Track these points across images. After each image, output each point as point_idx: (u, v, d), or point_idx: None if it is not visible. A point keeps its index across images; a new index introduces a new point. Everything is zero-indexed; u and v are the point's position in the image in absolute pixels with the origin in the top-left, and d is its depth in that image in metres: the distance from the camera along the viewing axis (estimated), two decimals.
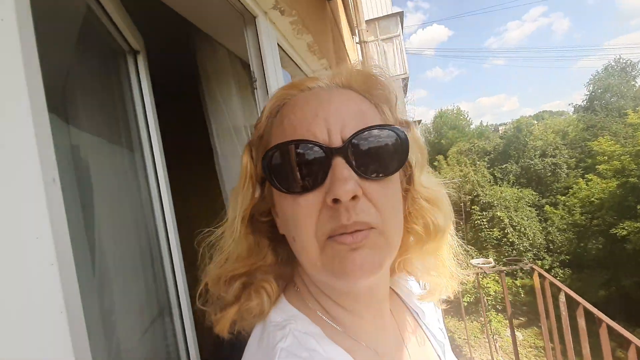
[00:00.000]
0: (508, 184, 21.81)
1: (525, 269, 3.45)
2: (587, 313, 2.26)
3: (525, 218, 17.81)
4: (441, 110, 37.56)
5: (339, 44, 3.50)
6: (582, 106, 28.93)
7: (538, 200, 20.20)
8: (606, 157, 16.80)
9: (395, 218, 0.46)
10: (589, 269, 15.91)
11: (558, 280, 3.15)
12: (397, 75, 11.15)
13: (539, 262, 16.12)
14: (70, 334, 0.43)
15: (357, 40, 5.95)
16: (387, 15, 11.55)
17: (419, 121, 13.47)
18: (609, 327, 2.09)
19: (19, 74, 0.44)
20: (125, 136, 1.18)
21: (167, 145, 1.33)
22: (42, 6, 0.52)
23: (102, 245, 0.97)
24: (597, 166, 17.52)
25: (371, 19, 11.12)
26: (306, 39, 1.89)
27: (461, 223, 13.98)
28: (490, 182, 20.81)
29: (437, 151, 29.36)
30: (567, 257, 17.02)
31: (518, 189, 20.72)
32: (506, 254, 16.29)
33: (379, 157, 0.44)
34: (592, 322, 2.18)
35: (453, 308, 12.54)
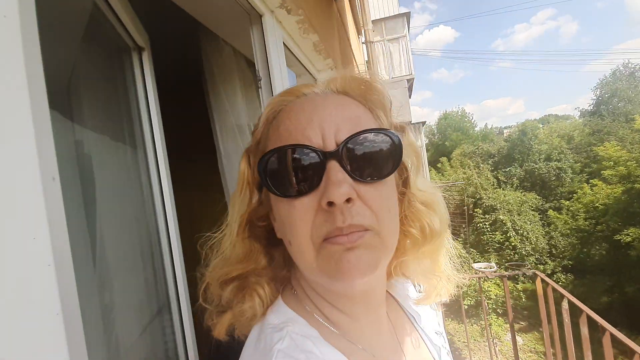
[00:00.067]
0: (512, 187, 21.68)
1: (527, 274, 3.43)
2: (590, 320, 2.24)
3: (528, 222, 17.70)
4: (446, 111, 37.37)
5: (345, 43, 3.49)
6: (589, 110, 28.69)
7: (541, 205, 20.07)
8: (612, 163, 16.65)
9: (391, 220, 0.47)
10: (592, 275, 15.79)
11: (560, 285, 3.13)
12: (403, 76, 11.12)
13: (541, 267, 16.04)
14: (65, 336, 0.42)
15: (363, 40, 5.93)
16: (394, 15, 11.53)
17: (423, 122, 13.42)
18: (612, 336, 2.07)
19: (19, 70, 0.43)
20: (129, 133, 1.18)
21: (170, 142, 1.33)
22: (47, 2, 0.52)
23: (104, 242, 0.97)
24: (602, 171, 17.37)
25: (378, 19, 11.10)
26: (312, 38, 1.87)
27: (463, 226, 13.92)
28: (493, 185, 20.70)
29: (441, 153, 29.26)
30: (569, 262, 16.90)
31: (522, 192, 20.58)
32: (508, 258, 16.21)
33: (373, 160, 0.44)
34: (595, 329, 2.16)
35: (453, 311, 12.52)
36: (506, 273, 3.59)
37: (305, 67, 2.11)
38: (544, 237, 17.55)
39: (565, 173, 21.43)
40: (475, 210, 18.43)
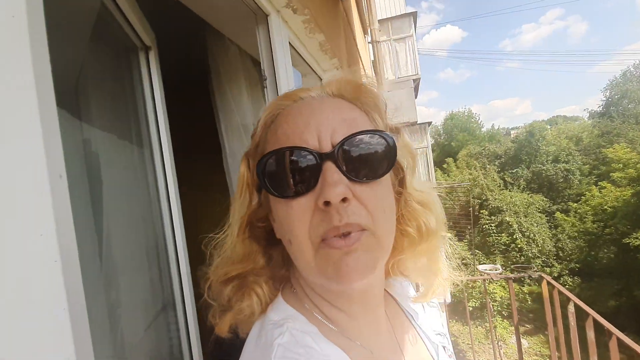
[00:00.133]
0: (518, 189, 21.48)
1: (533, 277, 3.40)
2: (597, 324, 2.21)
3: (535, 224, 17.52)
4: (452, 112, 37.11)
5: (351, 43, 3.48)
6: (598, 112, 28.33)
7: (549, 207, 19.85)
8: (621, 165, 16.43)
9: (387, 219, 0.48)
10: (600, 278, 15.59)
11: (567, 288, 3.10)
12: (409, 76, 11.08)
13: (548, 270, 15.86)
14: (72, 331, 0.43)
15: (369, 39, 5.92)
16: (400, 15, 11.49)
17: (429, 122, 13.36)
18: (618, 340, 2.04)
19: (27, 70, 0.44)
20: (135, 132, 1.19)
21: (175, 141, 1.34)
22: (55, 2, 0.52)
23: (110, 239, 0.98)
24: (611, 174, 17.14)
25: (384, 19, 11.08)
26: (318, 38, 1.87)
27: (469, 227, 13.82)
28: (500, 186, 20.52)
29: (447, 153, 29.07)
30: (576, 265, 16.69)
31: (528, 194, 20.39)
32: (514, 260, 16.08)
33: (368, 161, 0.46)
34: (602, 334, 2.13)
35: (458, 312, 12.45)
36: (512, 275, 3.56)
37: (311, 66, 2.11)
38: (551, 240, 17.37)
39: (574, 175, 21.16)
40: (481, 211, 18.28)
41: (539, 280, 3.13)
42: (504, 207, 17.75)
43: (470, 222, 12.55)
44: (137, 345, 1.04)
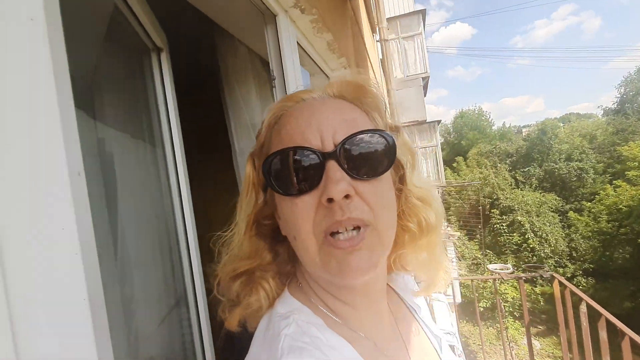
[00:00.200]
0: (530, 188, 21.13)
1: (545, 276, 3.35)
2: (610, 325, 2.17)
3: (548, 224, 17.23)
4: (462, 110, 36.67)
5: (359, 42, 3.48)
6: (612, 109, 27.68)
7: (562, 206, 19.48)
8: (637, 163, 16.05)
9: (387, 214, 0.50)
10: (614, 279, 15.24)
11: (580, 289, 3.05)
12: (418, 74, 11.00)
13: (561, 270, 15.59)
14: (92, 320, 0.45)
15: (378, 38, 5.90)
16: (409, 13, 11.41)
17: (439, 121, 13.23)
18: (631, 340, 2.01)
19: (47, 71, 0.46)
20: (148, 131, 1.22)
21: (186, 140, 1.37)
22: (71, 5, 0.54)
23: (124, 236, 1.01)
24: (626, 172, 16.75)
25: (392, 17, 11.01)
26: (326, 37, 1.88)
27: (479, 226, 13.67)
28: (511, 185, 20.23)
29: (457, 152, 28.78)
30: (590, 265, 16.36)
31: (541, 193, 20.04)
32: (526, 260, 15.84)
33: (369, 159, 0.48)
34: (615, 334, 2.10)
35: (468, 313, 12.33)
36: (522, 275, 3.51)
37: (318, 66, 2.12)
38: (564, 240, 17.05)
39: (587, 173, 20.72)
40: (492, 210, 18.06)
41: (551, 280, 3.08)
42: (516, 206, 17.49)
43: (481, 222, 12.40)
44: (151, 338, 1.06)
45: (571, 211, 18.78)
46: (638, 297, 14.12)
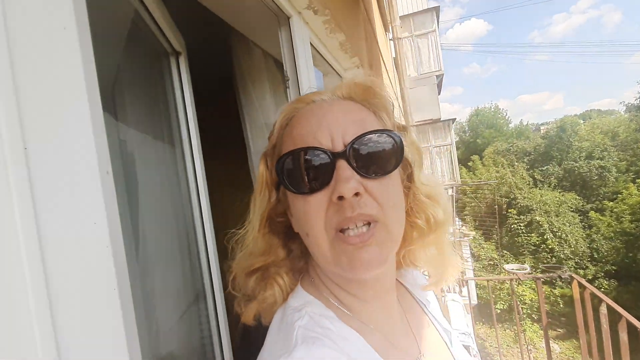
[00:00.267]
0: (549, 187, 20.59)
1: (564, 277, 3.27)
2: (630, 326, 2.11)
3: (568, 224, 16.76)
4: (478, 108, 36.00)
5: (372, 41, 3.48)
6: (635, 105, 26.65)
7: (582, 206, 18.92)
8: None
9: (396, 211, 0.51)
10: (638, 281, 14.71)
11: (602, 292, 2.97)
12: (431, 72, 10.88)
13: (582, 272, 15.15)
14: (121, 309, 0.48)
15: (391, 36, 5.87)
16: (423, 10, 11.28)
17: (453, 119, 13.05)
18: None
19: (79, 77, 0.49)
20: (167, 132, 1.27)
21: (204, 140, 1.41)
22: (95, 12, 0.57)
23: (145, 234, 1.05)
24: None
25: (406, 15, 10.92)
26: (338, 37, 1.90)
27: (495, 227, 13.41)
28: (529, 184, 19.75)
29: (472, 151, 28.28)
30: (613, 267, 15.82)
31: (560, 192, 19.51)
32: (544, 261, 15.45)
33: (377, 158, 0.50)
34: (635, 337, 2.04)
35: (485, 315, 12.13)
36: (540, 275, 3.44)
37: (331, 65, 2.14)
38: (584, 240, 16.55)
39: (609, 172, 20.05)
40: (509, 210, 17.69)
41: (571, 282, 3.01)
42: (534, 206, 17.09)
43: (497, 222, 12.17)
44: (171, 332, 1.10)
45: (592, 211, 18.21)
46: None
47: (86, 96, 0.50)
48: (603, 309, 2.40)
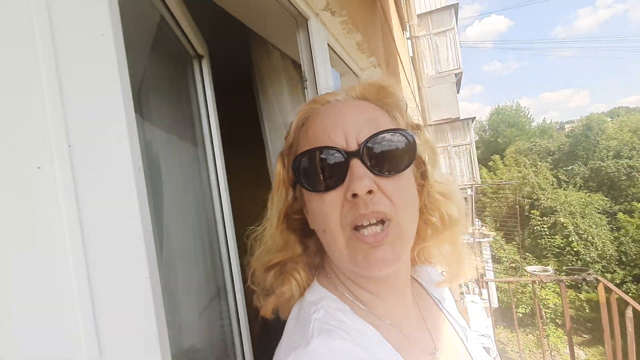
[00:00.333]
0: (574, 187, 19.87)
1: (589, 280, 3.17)
2: None
3: (594, 226, 16.11)
4: (498, 106, 35.09)
5: (389, 40, 3.47)
6: None
7: (610, 207, 18.14)
8: None
9: (409, 209, 0.53)
10: None
11: (630, 296, 2.85)
12: (450, 71, 10.71)
13: (609, 276, 14.53)
14: (152, 297, 0.51)
15: (408, 35, 5.83)
16: (441, 8, 11.12)
17: (473, 118, 12.79)
18: None
19: (115, 80, 0.53)
20: (190, 132, 1.31)
21: (224, 140, 1.45)
22: (125, 18, 0.61)
23: (169, 230, 1.09)
24: None
25: (423, 13, 10.79)
26: (356, 37, 1.91)
27: (517, 228, 13.04)
28: (553, 185, 19.11)
29: (493, 150, 27.60)
30: None
31: (586, 193, 18.79)
32: (570, 264, 14.90)
33: (391, 156, 0.51)
34: None
35: (506, 319, 11.81)
36: (564, 277, 3.34)
37: (348, 66, 2.15)
38: (612, 243, 15.86)
39: (638, 172, 19.15)
40: (532, 211, 17.16)
41: (596, 285, 2.91)
42: (558, 207, 16.52)
43: (518, 223, 11.84)
44: (194, 326, 1.15)
45: (620, 212, 17.44)
46: None
47: (121, 98, 0.54)
48: (629, 313, 2.31)
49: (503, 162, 22.16)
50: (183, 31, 1.23)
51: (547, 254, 15.93)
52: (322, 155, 0.51)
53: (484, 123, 36.48)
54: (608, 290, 2.69)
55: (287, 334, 0.54)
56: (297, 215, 0.60)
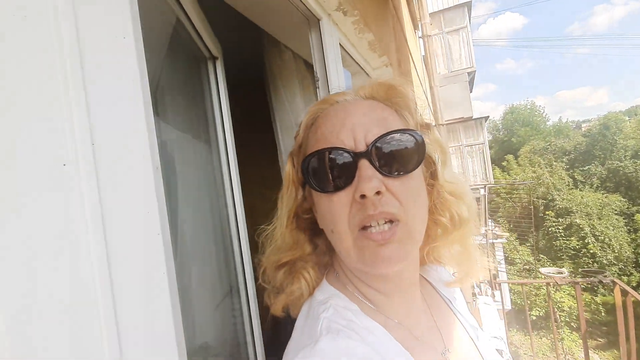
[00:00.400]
0: (591, 188, 19.37)
1: (605, 282, 3.09)
2: None
3: (611, 227, 15.67)
4: (512, 105, 34.39)
5: (401, 39, 3.45)
6: None
7: (627, 208, 17.61)
8: None
9: (417, 209, 0.52)
10: None
11: None
12: (463, 69, 10.59)
13: (626, 278, 14.13)
14: (169, 292, 0.53)
15: (420, 34, 5.78)
16: (453, 6, 11.00)
17: (486, 117, 12.60)
18: None
19: (136, 82, 0.54)
20: (204, 132, 1.34)
21: (237, 140, 1.47)
22: (143, 20, 0.63)
23: (184, 228, 1.11)
24: None
25: (436, 12, 10.68)
26: (367, 37, 1.91)
27: (531, 229, 12.79)
28: (568, 185, 18.65)
29: (506, 150, 27.11)
30: None
31: (603, 194, 18.30)
32: (585, 267, 14.54)
33: (399, 157, 0.50)
34: None
35: (519, 321, 11.60)
36: (580, 279, 3.27)
37: (360, 65, 2.15)
38: (629, 245, 15.41)
39: None
40: (547, 212, 16.80)
41: (613, 287, 2.84)
42: (574, 208, 16.12)
43: (532, 224, 11.62)
44: (208, 322, 1.17)
45: (638, 214, 16.93)
46: None
47: (142, 99, 0.56)
48: None
49: (517, 162, 21.73)
50: (198, 33, 1.25)
51: (562, 255, 15.58)
52: (330, 156, 0.51)
53: (497, 122, 35.84)
54: (624, 293, 2.62)
55: (296, 332, 0.55)
56: (306, 214, 0.60)
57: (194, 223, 1.19)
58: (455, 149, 11.70)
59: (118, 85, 0.52)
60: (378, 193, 0.48)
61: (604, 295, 14.07)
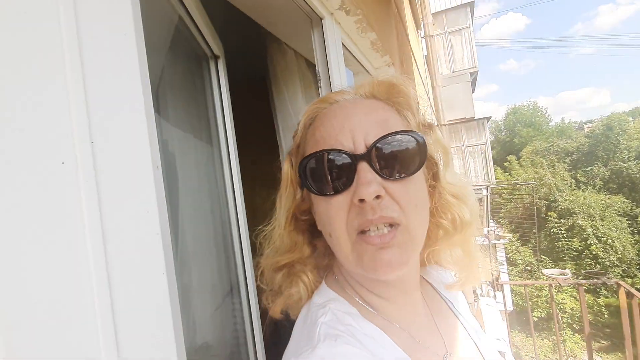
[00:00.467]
0: (594, 189, 19.28)
1: (609, 284, 3.07)
2: None
3: (614, 229, 15.59)
4: (515, 106, 34.28)
5: (403, 39, 3.44)
6: None
7: (631, 209, 17.52)
8: None
9: (418, 213, 0.50)
10: None
11: None
12: (465, 70, 10.57)
13: (629, 280, 14.05)
14: (169, 293, 0.52)
15: (423, 34, 5.76)
16: (456, 6, 10.98)
17: (488, 118, 12.56)
18: None
19: (137, 80, 0.54)
20: (206, 132, 1.33)
21: (239, 139, 1.46)
22: (145, 18, 0.62)
23: (184, 228, 1.11)
24: None
25: (438, 12, 10.66)
26: (370, 36, 1.90)
27: (533, 230, 12.73)
28: (571, 186, 18.57)
29: (509, 151, 27.04)
30: None
31: (606, 195, 18.21)
32: (588, 268, 14.47)
33: (400, 159, 0.49)
34: None
35: (521, 323, 11.56)
36: (583, 281, 3.24)
37: (362, 65, 2.14)
38: (633, 247, 15.32)
39: None
40: (549, 213, 16.74)
41: (617, 290, 2.82)
42: (576, 209, 16.05)
43: (535, 225, 11.57)
44: (208, 323, 1.16)
45: None
46: None
47: (142, 97, 0.55)
48: None
49: (519, 163, 21.66)
50: (200, 31, 1.24)
51: (565, 257, 15.51)
52: (329, 157, 0.49)
53: (499, 123, 35.72)
54: (629, 295, 2.60)
55: (294, 336, 0.53)
56: (305, 215, 0.59)
57: (194, 223, 1.19)
58: (457, 149, 11.67)
59: (118, 83, 0.52)
60: (378, 197, 0.46)
61: (607, 297, 14.00)
